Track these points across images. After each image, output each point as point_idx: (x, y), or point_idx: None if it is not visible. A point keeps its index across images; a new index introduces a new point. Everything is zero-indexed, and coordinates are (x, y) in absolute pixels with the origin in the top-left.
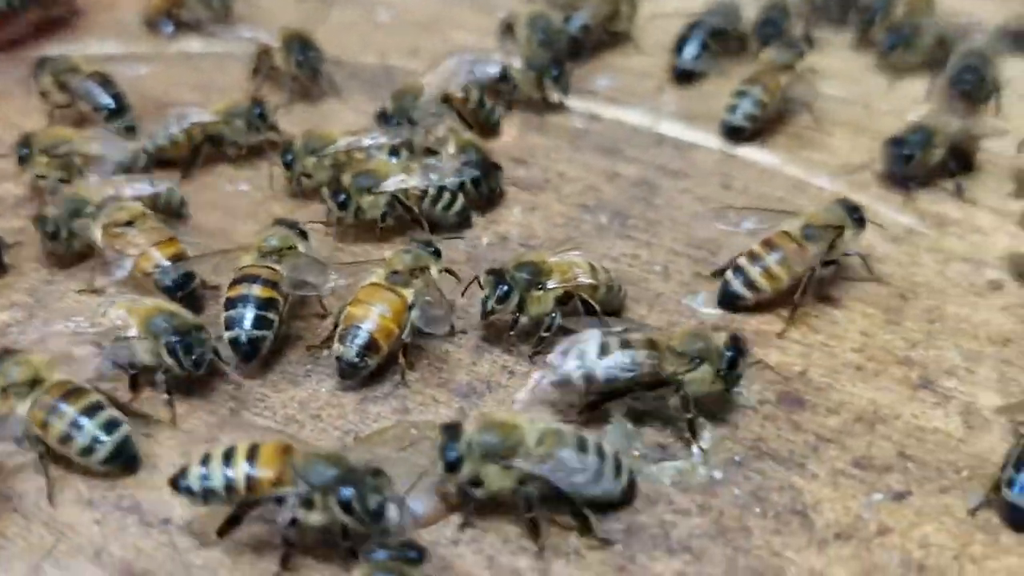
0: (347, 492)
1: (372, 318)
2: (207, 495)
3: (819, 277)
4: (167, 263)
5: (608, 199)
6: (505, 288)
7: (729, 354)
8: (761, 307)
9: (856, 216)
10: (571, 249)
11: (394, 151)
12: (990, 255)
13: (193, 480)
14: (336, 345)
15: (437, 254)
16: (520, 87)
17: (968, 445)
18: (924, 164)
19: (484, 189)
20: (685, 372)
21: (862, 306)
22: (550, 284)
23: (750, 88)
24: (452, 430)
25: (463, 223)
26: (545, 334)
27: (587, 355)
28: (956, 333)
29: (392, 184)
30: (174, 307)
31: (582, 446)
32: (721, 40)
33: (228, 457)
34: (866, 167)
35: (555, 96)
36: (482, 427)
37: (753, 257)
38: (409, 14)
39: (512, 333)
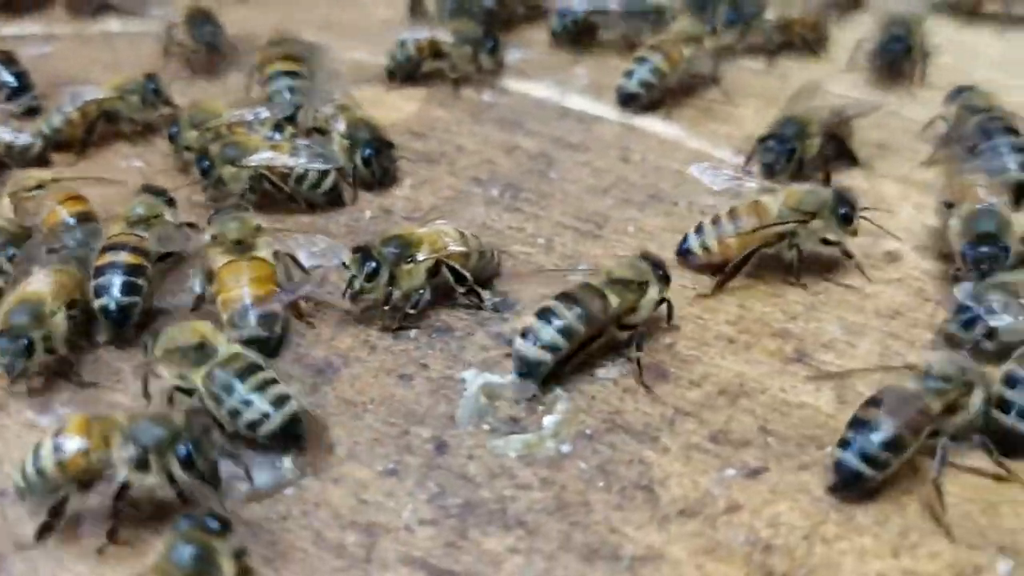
0: (183, 448)
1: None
2: (32, 489)
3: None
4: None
5: (503, 172)
6: (373, 265)
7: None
8: None
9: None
10: (438, 218)
11: (278, 127)
12: (891, 226)
13: (15, 479)
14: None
15: (171, 203)
16: (456, 62)
17: (837, 421)
18: (804, 155)
19: (376, 168)
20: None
21: (743, 279)
22: (420, 256)
23: (650, 55)
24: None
25: (334, 201)
26: (411, 311)
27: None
28: (840, 305)
29: (255, 159)
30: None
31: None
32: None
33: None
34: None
35: (489, 67)
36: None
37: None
38: None
39: (387, 308)
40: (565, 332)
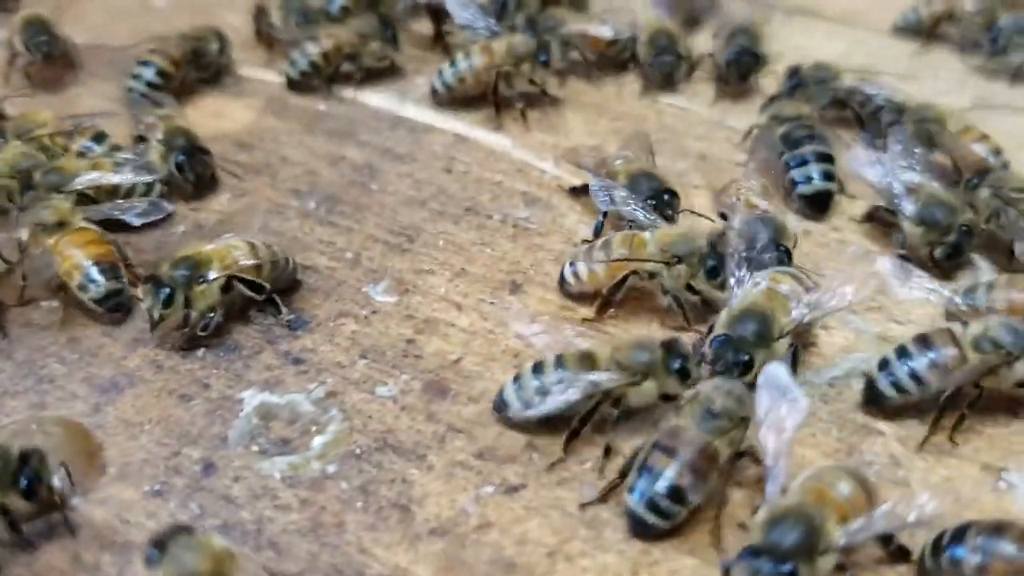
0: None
1: None
2: None
3: None
4: None
5: (324, 184)
6: (167, 291)
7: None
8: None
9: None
10: (227, 232)
11: (97, 137)
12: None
13: None
14: None
15: None
16: (363, 56)
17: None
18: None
19: (188, 174)
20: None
21: (542, 291)
22: (211, 275)
23: (461, 59)
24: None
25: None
26: (202, 333)
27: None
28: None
29: (81, 182)
30: None
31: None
32: None
33: None
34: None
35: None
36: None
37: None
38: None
39: (187, 330)
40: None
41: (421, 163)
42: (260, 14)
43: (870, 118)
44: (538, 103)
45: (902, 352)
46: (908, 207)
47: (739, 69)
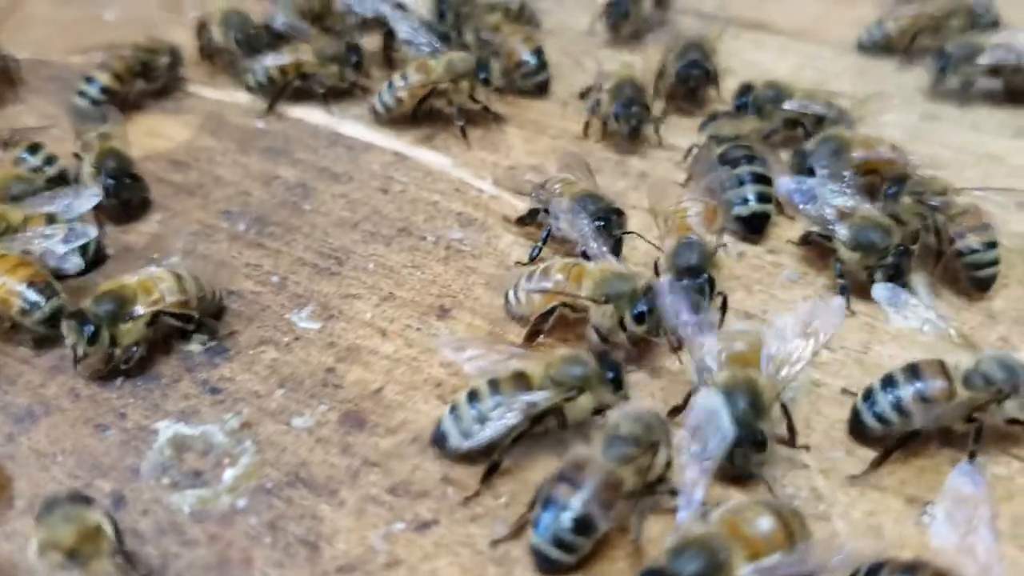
0: None
1: None
2: None
3: None
4: None
5: (255, 204)
6: (92, 329)
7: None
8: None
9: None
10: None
11: (32, 148)
12: (632, 258)
13: None
14: None
15: None
16: (323, 80)
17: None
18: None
19: (124, 197)
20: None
21: (470, 317)
22: (138, 311)
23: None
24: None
25: (100, 262)
26: (124, 366)
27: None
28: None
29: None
30: None
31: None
32: None
33: None
34: None
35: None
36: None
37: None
38: (136, 12)
39: (111, 366)
40: None
41: (357, 183)
42: (202, 29)
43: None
44: (479, 120)
45: (888, 381)
46: (842, 232)
47: (689, 84)
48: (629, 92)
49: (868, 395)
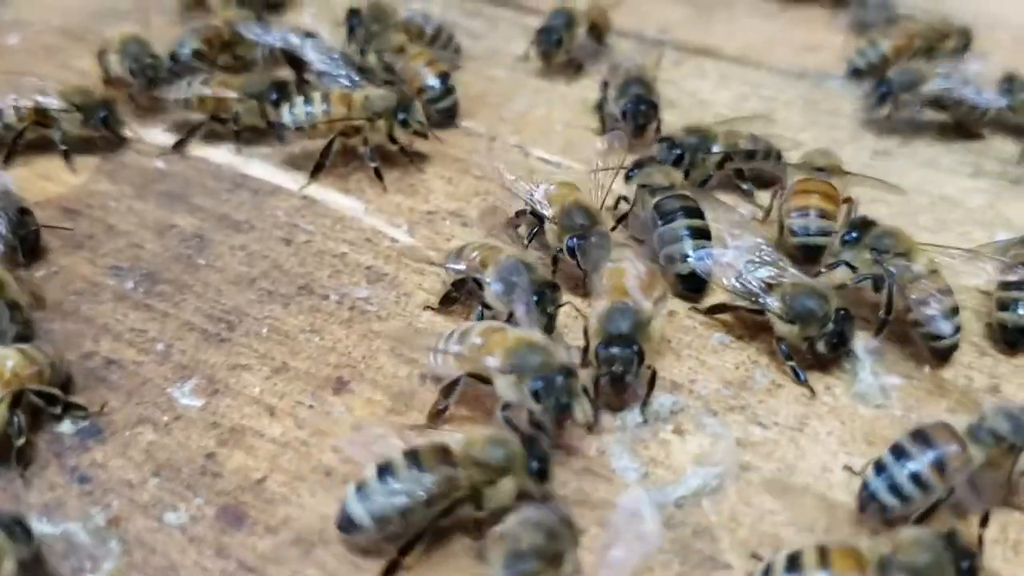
0: None
1: None
2: None
3: None
4: None
5: (147, 259)
6: None
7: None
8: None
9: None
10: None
11: None
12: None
13: None
14: None
15: None
16: (241, 117)
17: None
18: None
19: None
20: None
21: (370, 390)
22: None
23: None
24: None
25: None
26: None
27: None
28: None
29: None
30: None
31: None
32: None
33: None
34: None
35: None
36: None
37: None
38: (41, 38)
39: None
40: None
41: (258, 232)
42: (102, 57)
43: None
44: (397, 160)
45: (900, 452)
46: (774, 304)
47: (636, 120)
48: (580, 219)
49: (880, 469)
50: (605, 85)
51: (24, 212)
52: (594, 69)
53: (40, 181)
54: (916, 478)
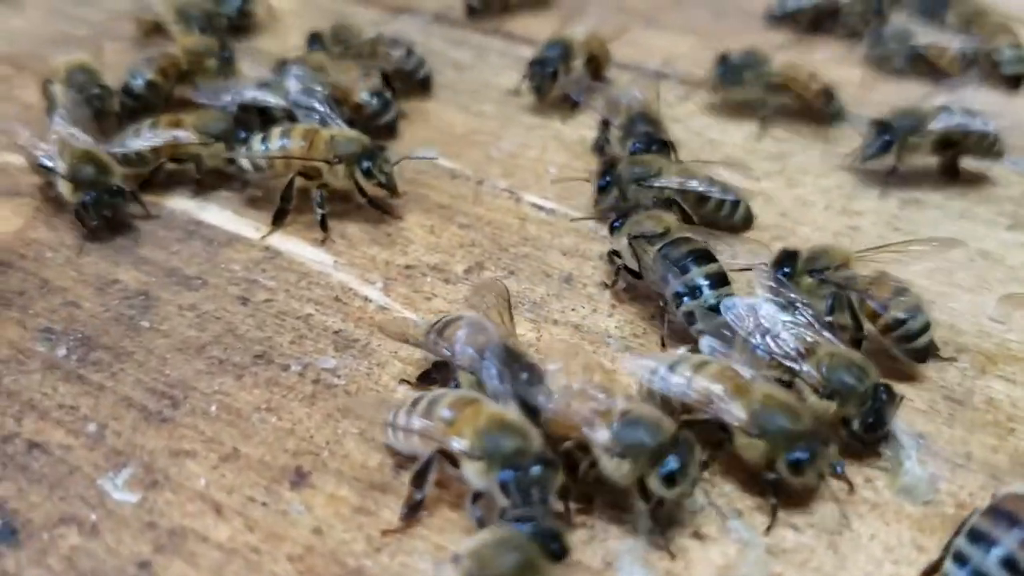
0: None
1: None
2: None
3: None
4: None
5: (84, 320)
6: None
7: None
8: None
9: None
10: None
11: None
12: None
13: None
14: None
15: None
16: (204, 160)
17: None
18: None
19: None
20: None
21: (335, 483)
22: None
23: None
24: None
25: None
26: None
27: None
28: None
29: None
30: None
31: None
32: None
33: None
34: None
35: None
36: None
37: None
38: None
39: None
40: None
41: (212, 288)
42: (46, 87)
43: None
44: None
45: (978, 536)
46: (810, 375)
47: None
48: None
49: (962, 560)
50: (605, 124)
51: None
52: (591, 105)
53: None
54: (1009, 561)
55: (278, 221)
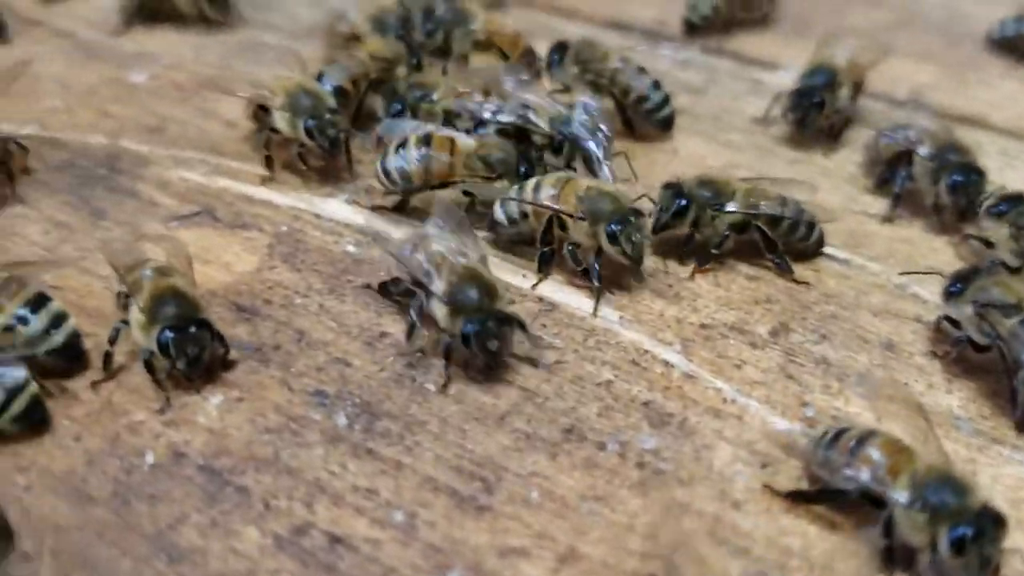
0: None
1: None
2: None
3: None
4: None
5: (358, 381)
6: None
7: None
8: None
9: None
10: None
11: (35, 302)
12: None
13: None
14: None
15: None
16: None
17: None
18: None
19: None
20: None
21: None
22: None
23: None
24: None
25: None
26: None
27: None
28: None
29: None
30: None
31: None
32: None
33: None
34: None
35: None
36: None
37: None
38: (171, 74)
39: None
40: None
41: None
42: (257, 113)
43: None
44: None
45: None
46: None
47: (968, 199)
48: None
49: None
50: (899, 157)
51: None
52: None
53: (199, 265)
54: None
55: (544, 268)
